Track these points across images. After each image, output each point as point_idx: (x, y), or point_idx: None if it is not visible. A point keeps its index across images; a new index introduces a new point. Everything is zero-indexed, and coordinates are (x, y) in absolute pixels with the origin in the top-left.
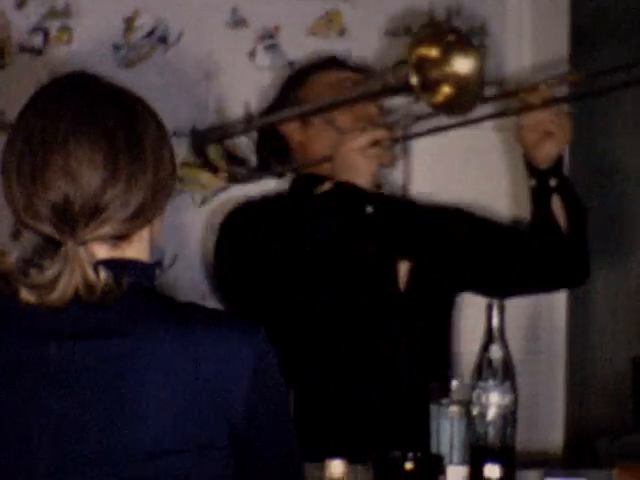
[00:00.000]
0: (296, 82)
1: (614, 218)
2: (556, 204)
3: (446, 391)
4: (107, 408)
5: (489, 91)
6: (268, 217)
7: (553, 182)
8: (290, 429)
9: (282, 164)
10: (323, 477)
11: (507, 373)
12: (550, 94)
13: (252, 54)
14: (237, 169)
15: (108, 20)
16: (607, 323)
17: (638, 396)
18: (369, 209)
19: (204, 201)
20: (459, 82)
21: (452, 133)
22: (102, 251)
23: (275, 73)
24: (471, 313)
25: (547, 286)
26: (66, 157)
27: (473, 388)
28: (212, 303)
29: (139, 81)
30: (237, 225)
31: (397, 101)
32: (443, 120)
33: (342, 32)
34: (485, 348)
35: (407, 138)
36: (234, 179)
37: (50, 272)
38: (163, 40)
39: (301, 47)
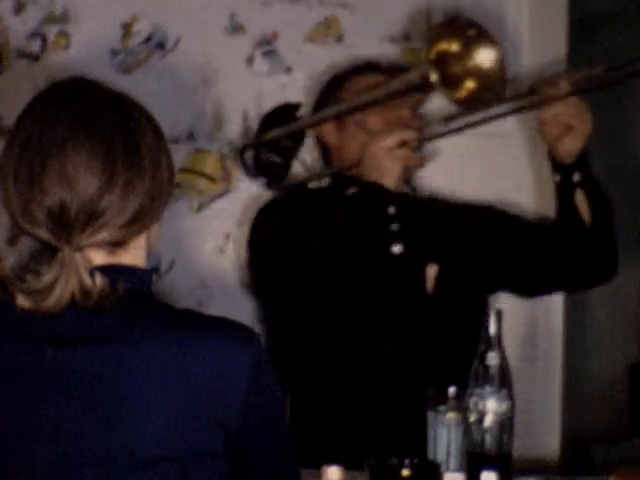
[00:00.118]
0: (333, 87)
1: None
2: (580, 199)
3: (443, 398)
4: (103, 414)
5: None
6: (302, 212)
7: (577, 177)
8: (286, 436)
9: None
10: None
11: (504, 380)
12: (570, 89)
13: (250, 60)
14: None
15: (106, 26)
16: (604, 330)
17: (635, 403)
18: (391, 210)
19: (201, 207)
20: (482, 76)
21: (472, 131)
22: (99, 257)
23: (273, 79)
24: None
25: (575, 283)
26: (63, 163)
27: (470, 395)
28: (209, 309)
29: (136, 87)
30: (272, 215)
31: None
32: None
33: (340, 38)
34: (482, 355)
35: (432, 138)
36: (273, 184)
37: (46, 278)
38: (161, 46)
39: (299, 53)
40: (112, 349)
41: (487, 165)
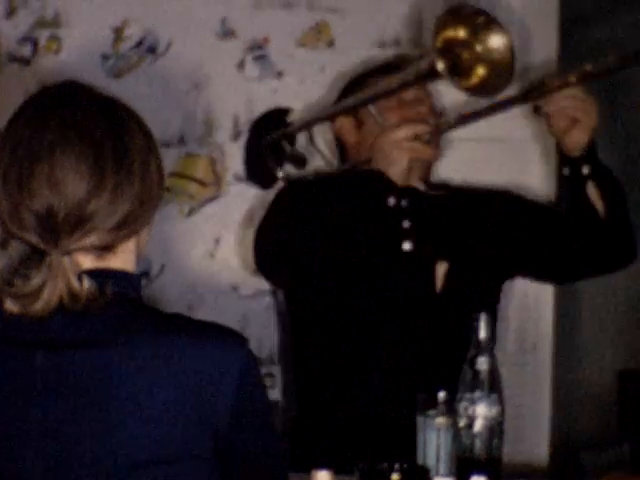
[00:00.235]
0: (354, 88)
1: None
2: (592, 191)
3: (433, 402)
4: (92, 418)
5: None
6: (314, 202)
7: (586, 170)
8: (274, 439)
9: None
10: None
11: (494, 385)
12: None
13: (241, 65)
14: (295, 169)
15: (97, 30)
16: (593, 336)
17: (623, 408)
18: (391, 201)
19: (191, 212)
20: (492, 61)
21: (483, 123)
22: (87, 261)
23: (264, 84)
24: None
25: (594, 270)
26: (52, 166)
27: (460, 400)
28: (199, 313)
29: (127, 91)
30: (287, 199)
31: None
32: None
33: (331, 43)
34: (472, 360)
35: (445, 131)
36: (289, 179)
37: (34, 282)
38: (152, 50)
39: (290, 58)
40: (101, 353)
41: (496, 171)
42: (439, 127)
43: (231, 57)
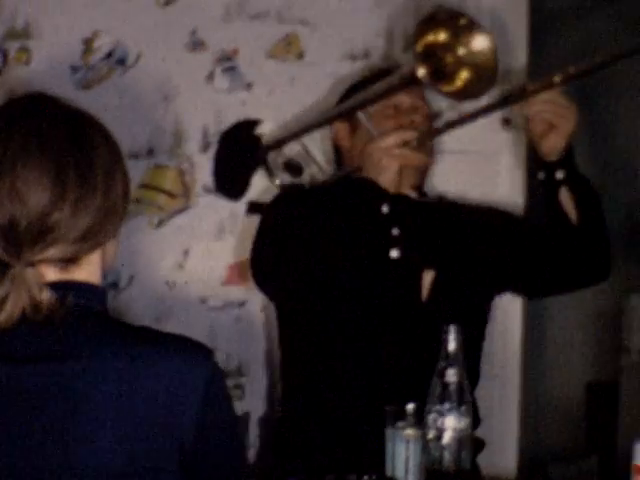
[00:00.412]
0: (351, 93)
1: None
2: (565, 197)
3: (402, 414)
4: (57, 430)
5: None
6: (307, 209)
7: (560, 174)
8: (239, 452)
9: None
10: None
11: (463, 397)
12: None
13: (210, 77)
14: (292, 178)
15: (67, 41)
16: (561, 349)
17: (591, 421)
18: (385, 209)
19: (160, 223)
20: (474, 64)
21: (452, 135)
22: (51, 273)
23: (233, 96)
24: None
25: (566, 283)
26: (14, 178)
27: (429, 412)
28: (168, 324)
29: (97, 102)
30: (277, 212)
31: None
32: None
33: (301, 55)
34: (442, 372)
35: (434, 136)
36: (286, 188)
37: None
38: (121, 62)
39: (260, 70)
40: (65, 366)
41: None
42: (428, 133)
43: (200, 69)
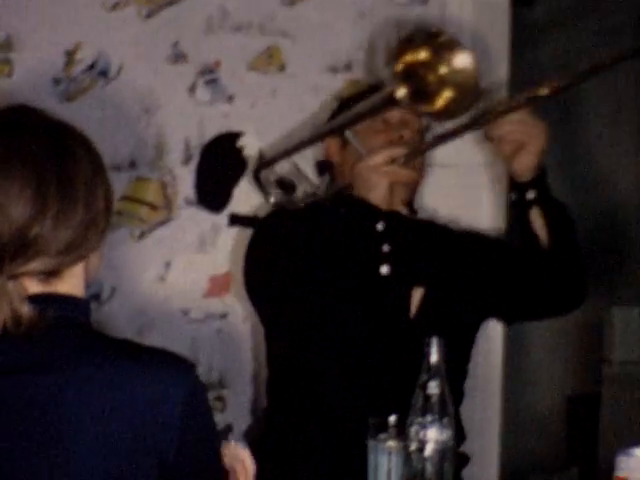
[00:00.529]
0: (342, 112)
1: None
2: (536, 218)
3: (384, 426)
4: (36, 444)
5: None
6: (299, 226)
7: (531, 194)
8: (220, 468)
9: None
10: None
11: (445, 409)
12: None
13: (192, 89)
14: (285, 195)
15: (49, 53)
16: (542, 362)
17: (571, 434)
18: (380, 226)
19: (142, 235)
20: (456, 83)
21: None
22: (33, 286)
23: (215, 108)
24: None
25: (542, 308)
26: None
27: (411, 424)
28: (149, 337)
29: (79, 115)
30: (270, 228)
31: None
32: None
33: (282, 68)
34: (424, 384)
35: (423, 151)
36: (280, 205)
37: None
38: (103, 74)
39: (241, 82)
40: (46, 379)
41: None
42: (417, 149)
43: (182, 81)
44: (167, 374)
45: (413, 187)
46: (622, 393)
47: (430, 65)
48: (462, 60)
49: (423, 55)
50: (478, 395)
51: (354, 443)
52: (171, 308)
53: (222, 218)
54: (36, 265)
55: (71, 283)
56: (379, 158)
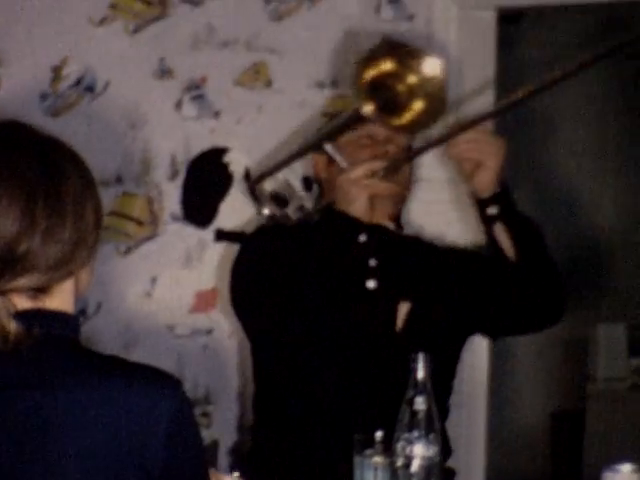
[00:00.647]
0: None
1: None
2: (500, 233)
3: (370, 442)
4: (23, 460)
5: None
6: (285, 241)
7: (493, 210)
8: None
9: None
10: None
11: (432, 425)
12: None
13: (178, 104)
14: (279, 210)
15: (36, 69)
16: (527, 378)
17: (556, 449)
18: (362, 238)
19: (128, 251)
20: (426, 92)
21: None
22: (22, 302)
23: (201, 124)
24: None
25: (519, 323)
26: None
27: (397, 439)
28: (135, 352)
29: (65, 130)
30: (256, 244)
31: None
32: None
33: (269, 83)
34: (410, 400)
35: (400, 164)
36: (273, 220)
37: None
38: (90, 89)
39: (228, 98)
40: (31, 394)
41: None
42: (396, 162)
43: (169, 96)
44: (154, 390)
45: (398, 201)
46: (606, 410)
47: (398, 75)
48: (430, 66)
49: (389, 66)
50: (464, 411)
51: (340, 459)
52: (157, 324)
53: (208, 233)
54: (25, 281)
55: (61, 299)
56: (359, 171)
